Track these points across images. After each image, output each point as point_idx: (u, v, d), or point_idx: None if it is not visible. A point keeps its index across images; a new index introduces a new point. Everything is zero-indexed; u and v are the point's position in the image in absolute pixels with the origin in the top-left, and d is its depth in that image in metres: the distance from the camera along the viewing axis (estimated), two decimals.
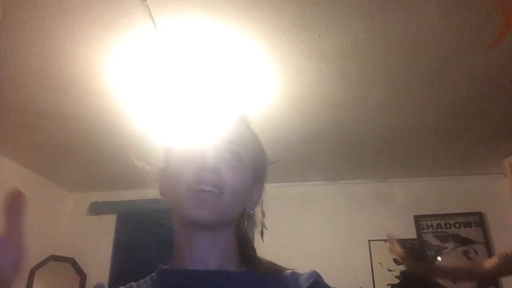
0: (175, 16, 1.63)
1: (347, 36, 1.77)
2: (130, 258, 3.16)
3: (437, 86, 2.17)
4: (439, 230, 3.19)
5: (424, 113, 2.43)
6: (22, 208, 0.45)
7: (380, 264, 3.12)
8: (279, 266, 0.70)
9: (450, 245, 3.15)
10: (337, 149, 2.87)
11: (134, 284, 0.69)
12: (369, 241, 3.18)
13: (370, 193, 3.36)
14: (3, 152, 2.78)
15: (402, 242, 3.15)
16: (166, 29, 1.69)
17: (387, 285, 3.07)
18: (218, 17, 1.64)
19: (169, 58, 1.85)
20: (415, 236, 3.18)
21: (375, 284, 3.05)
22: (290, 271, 0.69)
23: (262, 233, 0.75)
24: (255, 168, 0.72)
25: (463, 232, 3.17)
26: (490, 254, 3.07)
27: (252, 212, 0.74)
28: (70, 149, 2.75)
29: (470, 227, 3.16)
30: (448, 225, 3.20)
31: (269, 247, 0.78)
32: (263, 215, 0.76)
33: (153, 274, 0.70)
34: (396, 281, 3.08)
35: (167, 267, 0.69)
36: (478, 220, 3.16)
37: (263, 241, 0.73)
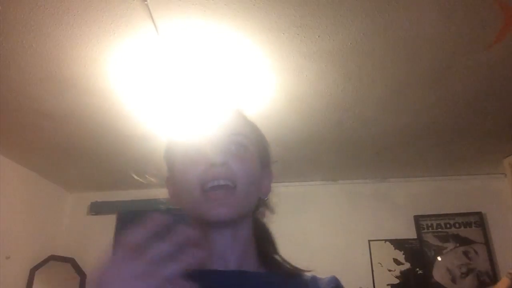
0: (175, 16, 1.63)
1: (347, 36, 1.77)
2: None
3: (437, 86, 2.17)
4: (439, 230, 3.19)
5: (424, 113, 2.43)
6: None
7: (380, 264, 3.12)
8: (297, 267, 0.70)
9: (450, 245, 3.15)
10: (337, 149, 2.87)
11: None
12: (369, 241, 3.18)
13: (370, 193, 3.36)
14: (3, 152, 2.78)
15: (402, 242, 3.18)
16: (166, 29, 1.69)
17: (387, 285, 3.07)
18: (218, 17, 1.64)
19: (169, 58, 1.85)
20: (415, 236, 3.18)
21: (375, 284, 3.05)
22: (310, 274, 0.69)
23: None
24: (260, 154, 0.72)
25: (463, 232, 3.17)
26: (490, 254, 3.07)
27: (266, 198, 0.74)
28: (70, 149, 2.75)
29: (470, 227, 3.17)
30: (448, 225, 3.20)
31: None
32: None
33: None
34: (396, 281, 3.08)
35: None
36: (478, 220, 3.16)
37: None
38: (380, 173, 3.33)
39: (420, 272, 3.11)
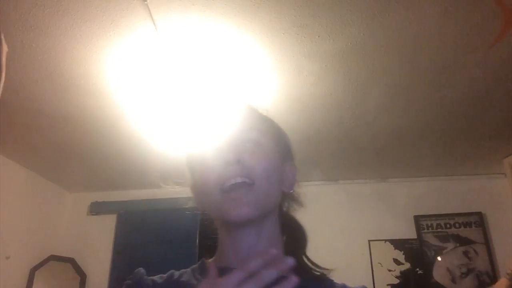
0: (175, 16, 1.63)
1: (347, 36, 1.77)
2: (130, 258, 3.16)
3: (437, 86, 2.17)
4: (439, 230, 3.19)
5: (424, 113, 2.43)
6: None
7: (380, 264, 3.12)
8: (324, 270, 0.68)
9: (450, 245, 3.15)
10: (337, 149, 2.87)
11: (176, 272, 0.68)
12: (369, 241, 3.18)
13: (370, 193, 3.36)
14: (3, 152, 2.78)
15: (402, 242, 3.18)
16: (166, 29, 1.69)
17: (387, 285, 3.07)
18: (218, 17, 1.64)
19: (169, 58, 1.85)
20: (415, 236, 3.18)
21: (375, 284, 3.05)
22: (340, 283, 0.68)
23: None
24: (278, 147, 0.71)
25: (463, 232, 3.17)
26: (490, 254, 3.07)
27: (291, 191, 0.73)
28: (70, 149, 2.75)
29: (470, 227, 3.17)
30: (448, 225, 3.20)
31: None
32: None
33: (194, 266, 0.70)
34: (396, 281, 3.08)
35: (210, 261, 0.69)
36: (478, 220, 3.16)
37: None
38: (380, 173, 3.33)
39: (420, 272, 3.11)
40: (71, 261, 3.20)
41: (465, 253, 3.10)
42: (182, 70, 1.91)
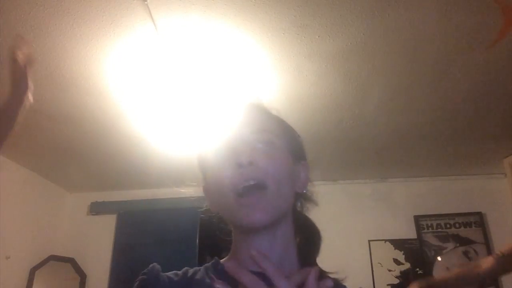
0: (175, 16, 1.63)
1: (347, 36, 1.77)
2: (130, 258, 3.16)
3: (437, 86, 2.17)
4: (439, 230, 3.19)
5: (424, 113, 2.43)
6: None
7: (380, 264, 3.12)
8: (337, 276, 0.68)
9: (450, 245, 3.15)
10: (337, 149, 2.87)
11: (190, 270, 0.68)
12: (369, 241, 3.18)
13: (370, 193, 3.36)
14: (3, 152, 2.77)
15: (402, 242, 3.18)
16: (166, 29, 1.69)
17: (387, 285, 3.07)
18: (218, 17, 1.64)
19: (169, 58, 1.85)
20: (415, 236, 3.18)
21: (375, 284, 3.05)
22: None
23: None
24: (290, 147, 0.70)
25: (463, 232, 3.17)
26: (490, 254, 3.07)
27: (305, 191, 0.72)
28: (70, 149, 2.75)
29: (470, 227, 3.16)
30: (448, 225, 3.20)
31: None
32: None
33: (207, 264, 0.69)
34: (396, 281, 3.08)
35: (224, 262, 0.68)
36: (478, 220, 3.16)
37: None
38: (380, 173, 3.33)
39: (420, 272, 3.11)
40: (71, 261, 3.20)
41: (465, 253, 3.10)
42: (182, 70, 1.91)
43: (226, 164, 0.64)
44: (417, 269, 3.12)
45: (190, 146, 2.34)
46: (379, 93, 2.22)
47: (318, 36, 1.77)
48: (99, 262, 3.24)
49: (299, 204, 0.73)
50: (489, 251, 3.08)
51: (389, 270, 3.11)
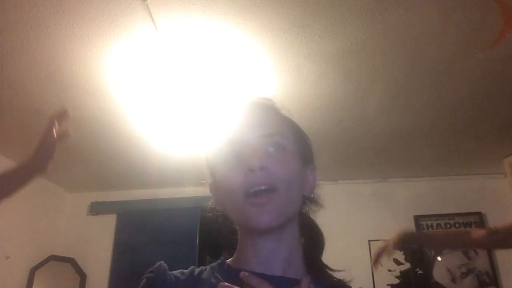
0: (175, 16, 1.63)
1: (347, 36, 1.77)
2: (130, 258, 3.16)
3: (437, 86, 2.17)
4: (439, 230, 3.19)
5: (424, 113, 2.43)
6: None
7: (380, 264, 3.11)
8: (341, 280, 0.68)
9: None
10: (337, 149, 2.87)
11: (196, 269, 0.68)
12: (369, 241, 3.17)
13: (370, 193, 3.36)
14: (3, 152, 2.77)
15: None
16: (166, 29, 1.69)
17: (387, 285, 3.07)
18: (218, 17, 1.64)
19: (169, 58, 1.85)
20: None
21: (375, 284, 3.05)
22: None
23: None
24: (300, 151, 0.70)
25: None
26: (490, 254, 3.07)
27: (312, 195, 0.73)
28: (70, 149, 2.75)
29: (470, 227, 3.16)
30: (448, 225, 3.20)
31: None
32: None
33: (213, 264, 0.69)
34: (396, 281, 3.08)
35: (229, 262, 0.68)
36: (478, 220, 3.16)
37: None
38: (380, 173, 3.33)
39: (420, 272, 3.11)
40: (71, 261, 3.20)
41: (465, 253, 3.10)
42: (182, 70, 1.91)
43: (236, 166, 0.63)
44: (417, 269, 3.11)
45: (190, 146, 2.35)
46: (379, 93, 2.22)
47: (318, 36, 1.77)
48: (99, 262, 3.24)
49: (305, 206, 0.73)
50: (489, 251, 3.08)
51: (389, 270, 3.11)
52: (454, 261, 3.09)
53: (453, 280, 3.05)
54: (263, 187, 0.61)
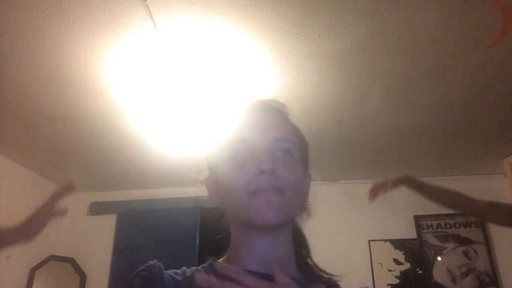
0: (175, 16, 1.63)
1: (347, 36, 1.77)
2: (130, 258, 3.16)
3: (437, 86, 2.17)
4: (439, 230, 3.19)
5: (424, 113, 2.43)
6: None
7: (380, 264, 3.12)
8: (330, 274, 0.69)
9: (450, 245, 3.15)
10: (337, 149, 2.87)
11: (187, 270, 0.68)
12: (369, 241, 3.18)
13: None
14: (3, 152, 2.78)
15: (402, 242, 3.18)
16: (166, 29, 1.69)
17: (387, 285, 3.07)
18: (218, 17, 1.64)
19: (169, 58, 1.85)
20: (415, 236, 3.18)
21: (375, 284, 3.05)
22: None
23: None
24: (302, 158, 0.70)
25: (463, 232, 3.17)
26: (490, 254, 3.07)
27: (306, 203, 0.73)
28: (70, 149, 2.75)
29: (470, 227, 3.17)
30: (448, 225, 3.20)
31: None
32: None
33: (204, 264, 0.69)
34: (396, 281, 3.08)
35: (221, 262, 0.68)
36: (478, 220, 3.16)
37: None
38: (380, 173, 3.32)
39: (420, 272, 3.11)
40: (71, 261, 3.20)
41: (465, 253, 3.10)
42: (182, 70, 1.91)
43: (244, 165, 0.63)
44: (417, 269, 3.12)
45: (190, 146, 2.34)
46: (379, 93, 2.22)
47: (318, 36, 1.77)
48: (99, 262, 3.24)
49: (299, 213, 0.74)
50: (489, 251, 3.08)
51: (389, 270, 3.11)
52: (454, 261, 3.10)
53: (453, 280, 3.05)
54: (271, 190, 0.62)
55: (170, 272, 0.66)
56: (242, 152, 0.64)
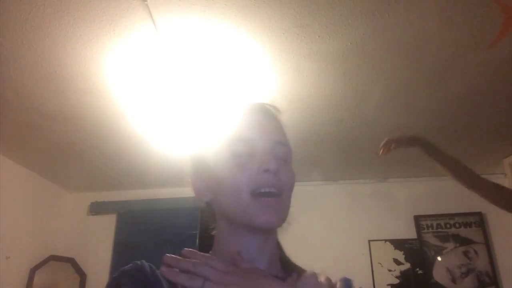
0: (175, 16, 1.63)
1: (347, 36, 1.77)
2: (130, 258, 3.12)
3: (437, 86, 2.17)
4: (439, 230, 3.19)
5: (424, 113, 2.43)
6: None
7: (380, 264, 3.12)
8: (303, 269, 0.71)
9: (450, 245, 3.15)
10: (337, 149, 2.87)
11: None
12: (369, 241, 3.18)
13: (370, 193, 3.36)
14: (3, 152, 2.78)
15: (402, 242, 3.18)
16: (166, 29, 1.69)
17: (387, 285, 3.07)
18: (218, 17, 1.64)
19: (169, 58, 1.85)
20: (415, 236, 3.18)
21: (375, 284, 3.05)
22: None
23: None
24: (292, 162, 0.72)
25: (463, 232, 3.17)
26: (490, 254, 3.07)
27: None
28: (70, 149, 2.75)
29: (470, 227, 3.16)
30: (448, 225, 3.20)
31: None
32: None
33: None
34: (396, 281, 3.08)
35: None
36: (478, 220, 3.16)
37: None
38: (380, 173, 3.33)
39: (420, 272, 3.11)
40: (71, 261, 3.20)
41: (465, 253, 3.10)
42: (182, 70, 1.91)
43: (246, 166, 0.64)
44: (417, 269, 3.12)
45: (190, 146, 2.34)
46: (379, 93, 2.22)
47: (318, 36, 1.77)
48: (99, 262, 3.24)
49: None
50: (489, 251, 3.08)
51: (389, 270, 3.11)
52: (454, 261, 3.09)
53: (453, 280, 3.05)
54: (273, 190, 0.64)
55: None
56: (243, 151, 0.65)
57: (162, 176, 3.07)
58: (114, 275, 0.62)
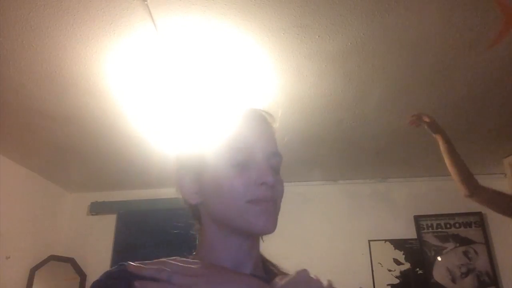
0: (175, 16, 1.63)
1: (347, 36, 1.77)
2: (130, 258, 3.14)
3: (437, 86, 2.17)
4: (439, 230, 3.19)
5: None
6: None
7: (380, 264, 3.12)
8: (282, 270, 0.73)
9: (450, 245, 3.15)
10: (337, 149, 2.87)
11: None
12: (369, 241, 3.18)
13: (370, 193, 3.36)
14: (3, 152, 2.78)
15: (402, 242, 3.18)
16: (166, 29, 1.69)
17: (387, 285, 3.07)
18: (218, 17, 1.64)
19: (169, 58, 1.85)
20: (415, 236, 3.18)
21: (375, 284, 3.05)
22: None
23: None
24: None
25: (463, 232, 3.17)
26: (490, 254, 3.07)
27: None
28: (70, 149, 2.75)
29: (470, 227, 3.17)
30: (448, 225, 3.20)
31: (269, 247, 0.78)
32: None
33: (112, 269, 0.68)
34: (396, 281, 3.08)
35: (193, 258, 0.70)
36: (478, 220, 3.16)
37: (263, 241, 0.73)
38: (380, 173, 3.33)
39: (420, 272, 3.11)
40: (71, 261, 3.20)
41: (465, 253, 3.10)
42: (182, 70, 1.91)
43: (244, 175, 0.65)
44: (417, 269, 3.12)
45: (190, 146, 2.34)
46: (379, 93, 2.22)
47: (318, 36, 1.77)
48: (99, 262, 3.24)
49: None
50: (489, 251, 3.08)
51: (389, 270, 3.11)
52: (454, 261, 3.09)
53: (453, 280, 3.05)
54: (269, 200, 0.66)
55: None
56: (240, 160, 0.65)
57: (162, 176, 3.06)
58: (100, 278, 0.63)
